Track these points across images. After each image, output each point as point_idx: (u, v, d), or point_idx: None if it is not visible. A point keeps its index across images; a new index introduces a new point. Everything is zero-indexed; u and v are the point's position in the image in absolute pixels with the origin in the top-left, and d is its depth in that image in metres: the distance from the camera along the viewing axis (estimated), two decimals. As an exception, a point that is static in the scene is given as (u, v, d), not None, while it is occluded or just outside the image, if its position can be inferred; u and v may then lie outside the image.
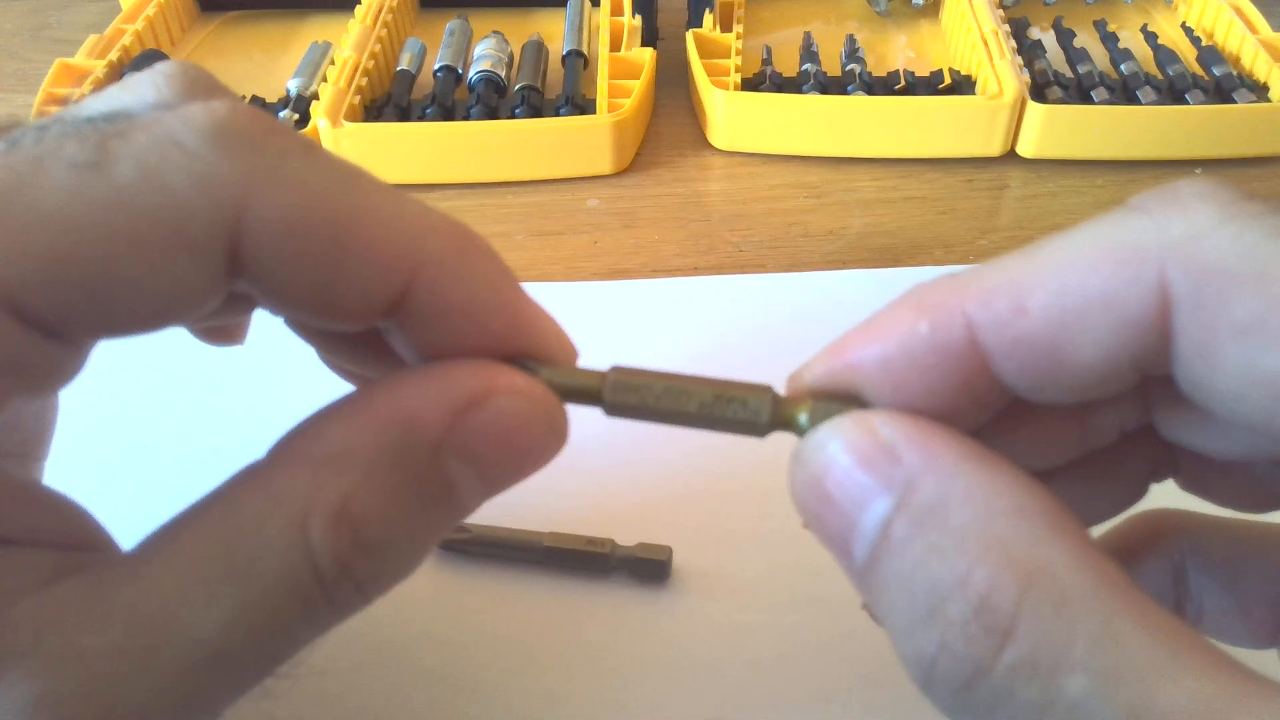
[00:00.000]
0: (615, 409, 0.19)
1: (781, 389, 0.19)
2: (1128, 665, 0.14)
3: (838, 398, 0.18)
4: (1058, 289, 0.16)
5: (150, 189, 0.16)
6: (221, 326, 0.24)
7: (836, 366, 0.18)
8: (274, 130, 0.17)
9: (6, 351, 0.15)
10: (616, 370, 0.19)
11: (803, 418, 0.18)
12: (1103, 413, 0.19)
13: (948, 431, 0.16)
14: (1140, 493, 0.21)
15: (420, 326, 0.18)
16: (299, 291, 0.17)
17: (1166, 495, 0.22)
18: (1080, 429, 0.20)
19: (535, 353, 0.19)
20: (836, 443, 0.17)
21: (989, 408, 0.18)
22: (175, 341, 0.18)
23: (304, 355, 0.23)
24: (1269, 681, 0.14)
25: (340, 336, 0.21)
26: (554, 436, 0.19)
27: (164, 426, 0.34)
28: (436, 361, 0.18)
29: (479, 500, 0.19)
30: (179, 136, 0.16)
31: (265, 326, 0.22)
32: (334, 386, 0.22)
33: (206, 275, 0.16)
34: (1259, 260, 0.15)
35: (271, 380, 0.35)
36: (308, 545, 0.16)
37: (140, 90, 0.18)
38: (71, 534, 0.17)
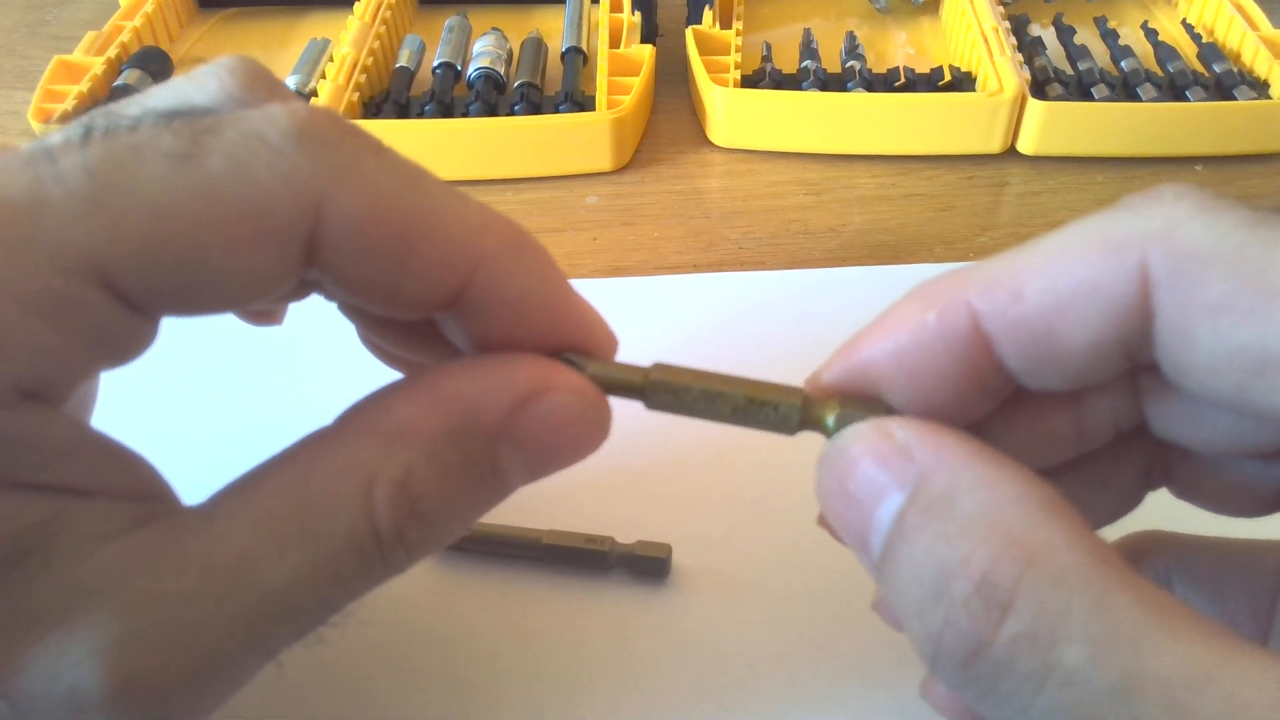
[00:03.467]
0: (655, 405, 0.20)
1: (801, 379, 0.20)
2: (1121, 634, 0.15)
3: (861, 399, 0.19)
4: (1050, 276, 0.17)
5: (239, 181, 0.17)
6: (267, 309, 0.25)
7: (852, 364, 0.19)
8: (350, 132, 0.18)
9: (99, 323, 0.17)
10: (658, 368, 0.20)
11: (830, 420, 0.19)
12: (1098, 405, 0.20)
13: (958, 434, 0.18)
14: (1135, 500, 0.22)
15: (476, 317, 0.19)
16: (368, 282, 0.18)
17: (1160, 511, 0.22)
18: (1078, 424, 0.20)
19: (581, 344, 0.20)
20: (857, 446, 0.18)
21: (994, 395, 0.19)
22: (213, 322, 0.20)
23: (338, 338, 0.23)
24: (1256, 646, 0.14)
25: (392, 323, 0.22)
26: (599, 433, 0.20)
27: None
28: (497, 353, 0.20)
29: (520, 484, 0.20)
30: (265, 134, 0.17)
31: (301, 309, 0.23)
32: (361, 366, 0.23)
33: (285, 263, 0.18)
34: (1228, 246, 0.16)
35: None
36: (371, 510, 0.18)
37: (205, 85, 0.20)
38: (142, 486, 0.18)
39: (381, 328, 0.23)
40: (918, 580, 0.16)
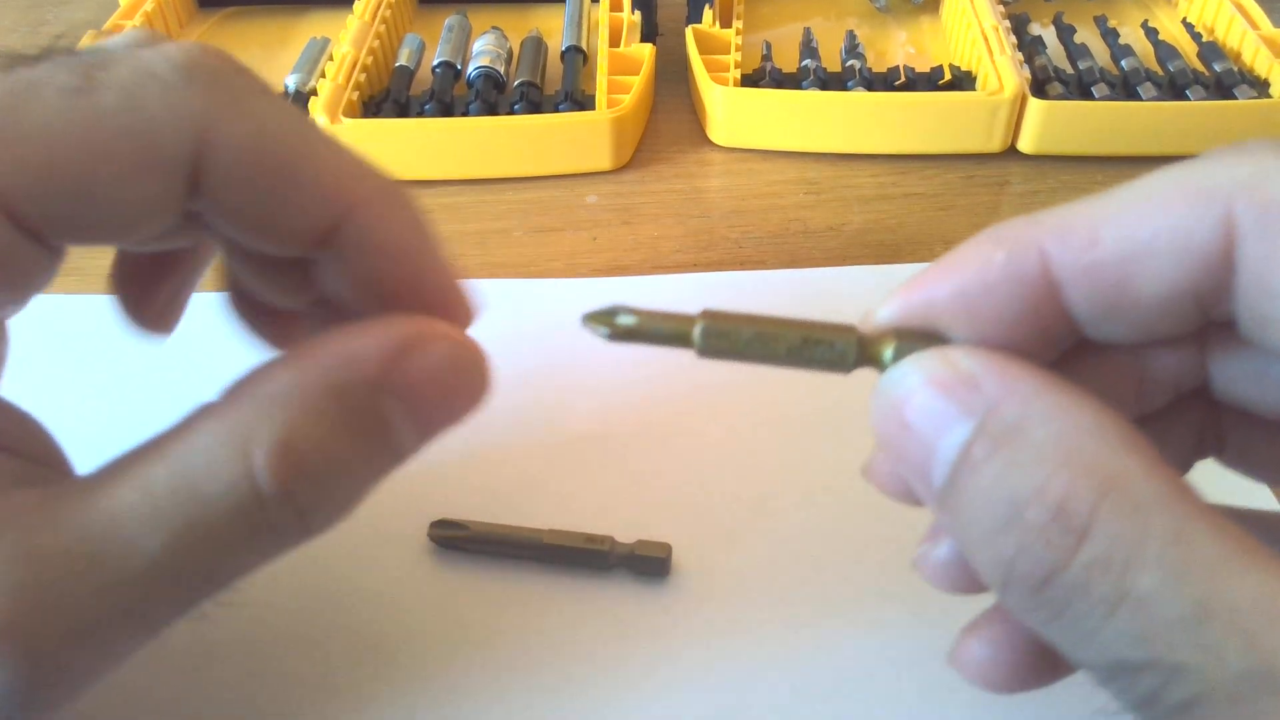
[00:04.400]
0: (706, 352, 0.19)
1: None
2: (1197, 562, 0.15)
3: (919, 334, 0.18)
4: (1129, 222, 0.17)
5: (128, 112, 0.18)
6: (153, 314, 0.25)
7: (911, 302, 0.19)
8: (240, 71, 0.20)
9: (11, 254, 0.18)
10: (707, 314, 0.19)
11: (887, 354, 0.18)
12: (1161, 362, 0.20)
13: (1025, 363, 0.17)
14: (1185, 468, 0.22)
15: (347, 260, 0.21)
16: (248, 212, 0.20)
17: (1205, 483, 0.22)
18: (1138, 382, 0.20)
19: (443, 299, 0.21)
20: (917, 375, 0.17)
21: (1055, 345, 0.19)
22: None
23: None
24: None
25: (268, 264, 0.23)
26: (481, 381, 0.21)
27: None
28: (375, 318, 0.20)
29: (413, 443, 0.20)
30: (156, 69, 0.19)
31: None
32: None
33: (170, 190, 0.19)
34: None
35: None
36: (250, 469, 0.18)
37: (115, 39, 0.21)
38: (35, 448, 0.19)
39: (258, 270, 0.23)
40: (988, 509, 0.16)
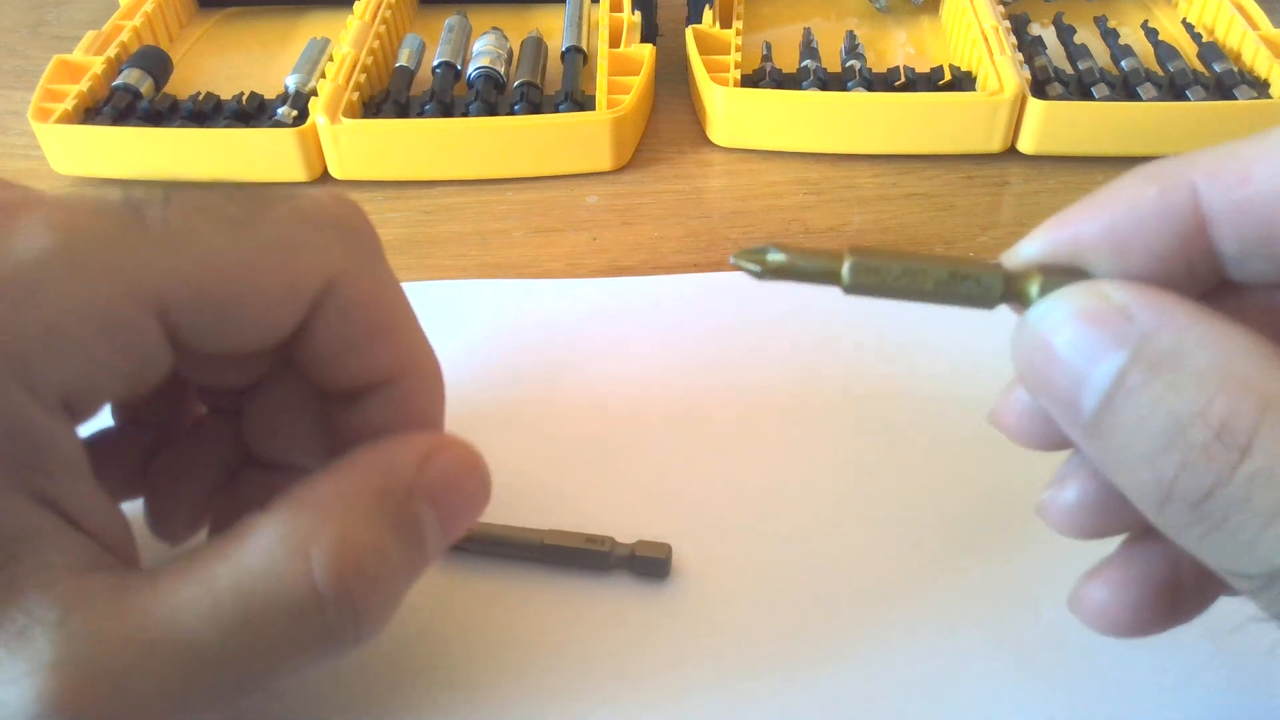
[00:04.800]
0: (854, 289, 0.19)
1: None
2: None
3: (1062, 270, 0.19)
4: None
5: (282, 250, 0.21)
6: (181, 520, 0.26)
7: (1058, 237, 0.19)
8: (370, 230, 0.23)
9: (146, 348, 0.19)
10: (856, 250, 0.19)
11: (1032, 289, 0.19)
12: None
13: (1175, 294, 0.18)
14: None
15: (375, 410, 0.23)
16: (333, 352, 0.22)
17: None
18: (1277, 326, 0.20)
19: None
20: (1066, 307, 0.18)
21: (1199, 283, 0.19)
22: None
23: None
24: None
25: (306, 400, 0.25)
26: (486, 485, 0.23)
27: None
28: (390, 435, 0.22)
29: (437, 546, 0.22)
30: (310, 216, 0.21)
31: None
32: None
33: (293, 322, 0.21)
34: None
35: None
36: (309, 570, 0.19)
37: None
38: (113, 534, 0.20)
39: (293, 400, 0.25)
40: (1146, 432, 0.17)
